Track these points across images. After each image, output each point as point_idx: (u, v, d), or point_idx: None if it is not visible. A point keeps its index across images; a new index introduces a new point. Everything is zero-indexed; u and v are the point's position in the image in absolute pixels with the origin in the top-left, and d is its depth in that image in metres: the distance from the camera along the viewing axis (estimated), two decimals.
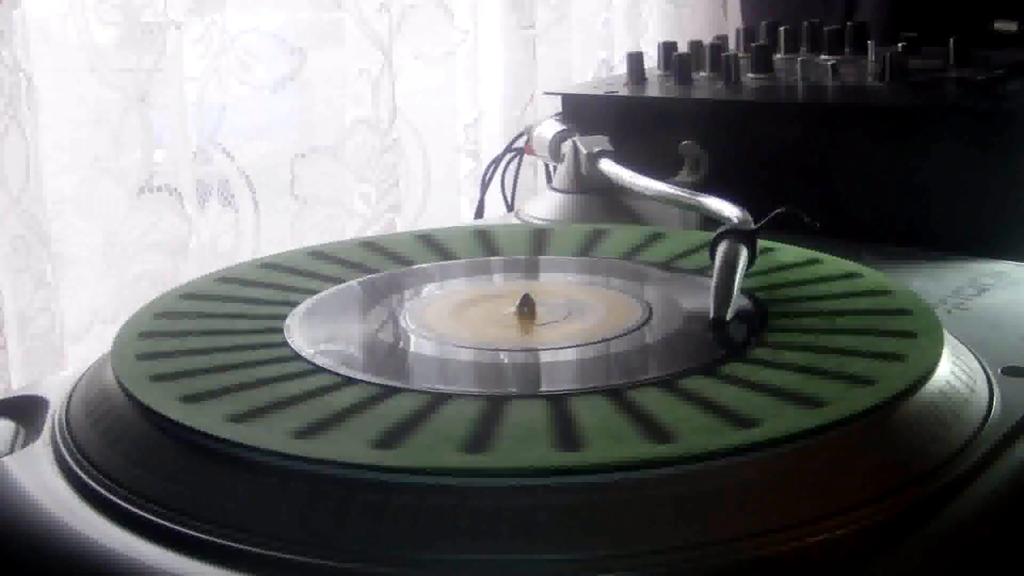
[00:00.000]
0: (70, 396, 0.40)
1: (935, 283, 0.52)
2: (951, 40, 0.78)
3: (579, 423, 0.34)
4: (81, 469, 0.35)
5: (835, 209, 0.62)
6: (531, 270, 0.52)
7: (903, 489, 0.33)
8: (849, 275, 0.47)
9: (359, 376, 0.38)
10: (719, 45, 0.80)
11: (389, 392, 0.37)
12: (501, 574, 0.30)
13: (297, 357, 0.40)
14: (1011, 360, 0.41)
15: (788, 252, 0.50)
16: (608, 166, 0.64)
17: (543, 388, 0.40)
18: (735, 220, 0.49)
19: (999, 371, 0.40)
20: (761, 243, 0.48)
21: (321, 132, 0.90)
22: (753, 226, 0.48)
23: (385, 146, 0.91)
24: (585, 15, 1.18)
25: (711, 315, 0.42)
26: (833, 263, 0.49)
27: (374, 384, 0.37)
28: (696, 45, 0.81)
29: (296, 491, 0.31)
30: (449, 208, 1.03)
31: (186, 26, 0.80)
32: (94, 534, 0.33)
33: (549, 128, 0.70)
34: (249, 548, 0.31)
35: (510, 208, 0.81)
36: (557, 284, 0.50)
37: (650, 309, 0.44)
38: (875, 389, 0.36)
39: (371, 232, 0.91)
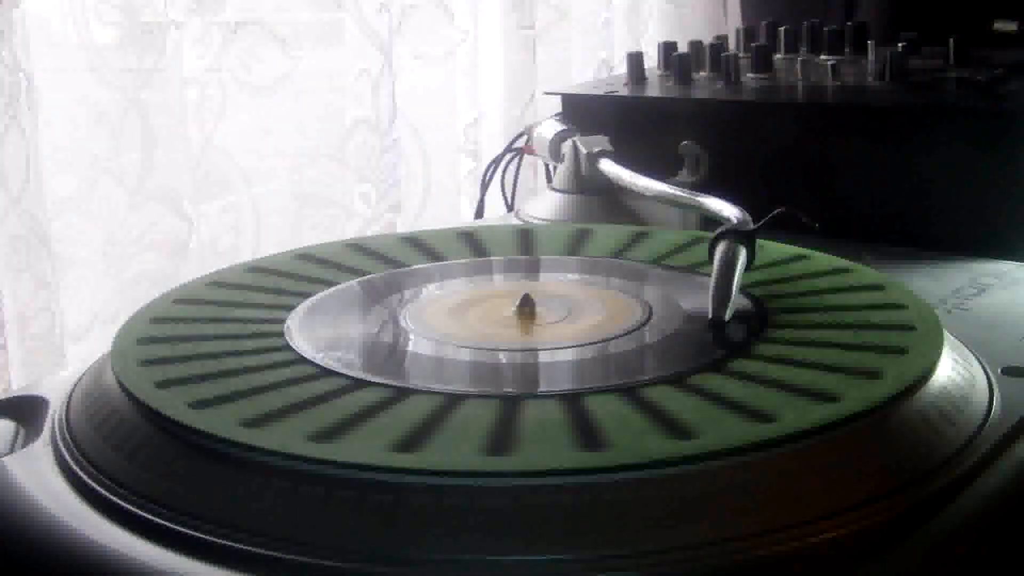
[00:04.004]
0: (70, 396, 0.40)
1: (935, 283, 0.52)
2: (951, 40, 0.78)
3: (587, 422, 0.34)
4: (81, 469, 0.35)
5: (835, 209, 0.62)
6: (530, 270, 0.52)
7: (903, 489, 0.33)
8: (846, 272, 0.47)
9: (370, 379, 0.38)
10: (719, 45, 0.80)
11: (402, 394, 0.37)
12: (502, 574, 0.30)
13: (302, 360, 0.40)
14: (1011, 360, 0.41)
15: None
16: (608, 166, 0.64)
17: (554, 388, 0.40)
18: (734, 220, 0.49)
19: (999, 371, 0.40)
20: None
21: (321, 132, 0.90)
22: (752, 226, 0.48)
23: (385, 146, 0.91)
24: (585, 15, 1.18)
25: (710, 315, 0.42)
26: (827, 261, 0.49)
27: (387, 386, 0.37)
28: (696, 45, 0.81)
29: (308, 494, 0.31)
30: (449, 208, 1.03)
31: (186, 26, 0.80)
32: (94, 534, 0.33)
33: (549, 128, 0.70)
34: (249, 548, 0.31)
35: (510, 208, 0.81)
36: (557, 284, 0.50)
37: (650, 308, 0.45)
38: (874, 390, 0.36)
39: (371, 232, 0.91)
